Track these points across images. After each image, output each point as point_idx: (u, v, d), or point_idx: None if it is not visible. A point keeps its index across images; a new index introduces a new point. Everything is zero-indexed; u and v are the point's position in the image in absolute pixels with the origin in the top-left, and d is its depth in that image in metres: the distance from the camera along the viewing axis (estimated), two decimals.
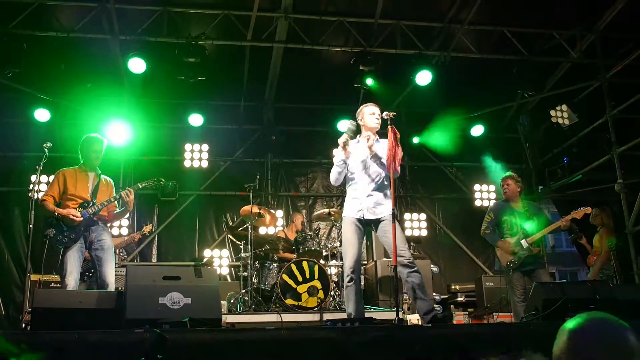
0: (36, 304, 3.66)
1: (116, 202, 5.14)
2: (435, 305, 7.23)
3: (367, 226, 4.57)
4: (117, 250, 7.76)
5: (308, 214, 9.68)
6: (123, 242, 7.46)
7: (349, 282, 4.43)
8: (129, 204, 5.08)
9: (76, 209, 4.94)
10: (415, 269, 4.34)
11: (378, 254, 8.14)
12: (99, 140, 5.22)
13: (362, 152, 4.59)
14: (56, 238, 4.81)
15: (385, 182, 4.52)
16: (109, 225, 5.37)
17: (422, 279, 4.38)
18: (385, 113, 4.47)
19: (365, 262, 8.51)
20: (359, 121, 4.73)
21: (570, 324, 1.39)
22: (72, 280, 4.78)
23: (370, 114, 4.65)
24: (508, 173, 5.97)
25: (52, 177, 5.32)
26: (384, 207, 4.46)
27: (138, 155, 9.33)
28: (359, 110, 4.76)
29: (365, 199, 4.48)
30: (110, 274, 4.94)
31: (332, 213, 7.35)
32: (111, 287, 4.91)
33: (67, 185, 5.00)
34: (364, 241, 4.85)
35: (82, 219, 4.89)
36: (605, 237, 7.40)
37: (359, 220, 4.50)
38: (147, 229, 7.45)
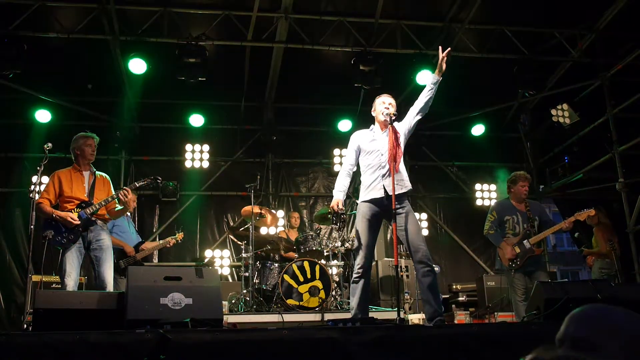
0: (38, 304, 3.65)
1: (115, 200, 5.14)
2: None
3: (385, 212, 4.35)
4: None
5: (309, 214, 9.69)
6: (158, 246, 7.35)
7: (356, 277, 4.36)
8: (128, 204, 5.08)
9: (74, 210, 4.93)
10: (430, 268, 4.22)
11: (379, 253, 8.15)
12: (93, 136, 5.20)
13: (378, 140, 4.49)
14: (55, 239, 4.79)
15: (402, 166, 4.43)
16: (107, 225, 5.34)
17: (436, 283, 4.24)
18: (385, 113, 4.45)
19: None
20: (372, 113, 4.65)
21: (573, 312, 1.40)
22: (71, 281, 4.78)
23: (380, 104, 4.53)
24: (523, 173, 5.91)
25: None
26: (402, 183, 4.35)
27: (139, 155, 9.33)
28: (374, 101, 4.68)
29: (382, 180, 4.33)
30: (109, 273, 4.95)
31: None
32: (110, 287, 4.90)
33: (62, 187, 4.98)
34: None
35: (79, 222, 4.90)
36: (601, 235, 7.43)
37: (376, 202, 4.34)
38: (180, 236, 7.46)
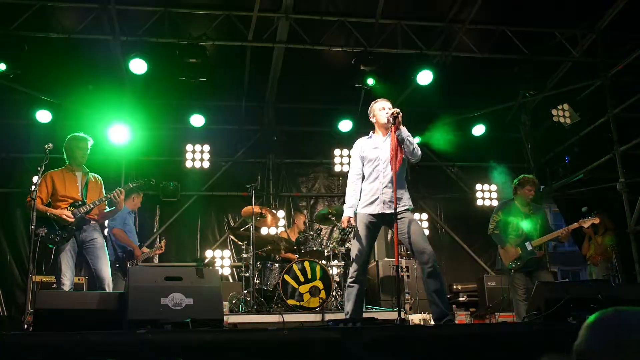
0: (38, 305, 3.66)
1: (106, 202, 5.15)
2: None
3: (383, 223, 4.42)
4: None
5: (310, 215, 9.68)
6: (147, 254, 7.35)
7: (352, 282, 4.36)
8: (119, 204, 5.11)
9: (67, 208, 4.94)
10: (436, 269, 4.23)
11: (380, 253, 8.14)
12: (85, 138, 5.22)
13: (380, 148, 4.49)
14: (48, 237, 4.79)
15: (403, 176, 4.43)
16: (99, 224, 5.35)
17: (442, 284, 4.24)
18: (389, 114, 4.42)
19: None
20: (370, 119, 4.65)
21: (590, 318, 1.37)
22: (68, 280, 4.81)
23: (380, 110, 4.54)
24: (531, 176, 5.91)
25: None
26: (402, 202, 4.31)
27: (139, 155, 9.34)
28: (369, 108, 4.66)
29: (382, 194, 4.35)
30: (106, 270, 4.97)
31: (332, 212, 7.33)
32: (108, 282, 4.93)
33: (55, 186, 5.00)
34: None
35: (74, 219, 4.90)
36: (609, 239, 7.50)
37: (375, 215, 4.38)
38: (163, 243, 7.55)
